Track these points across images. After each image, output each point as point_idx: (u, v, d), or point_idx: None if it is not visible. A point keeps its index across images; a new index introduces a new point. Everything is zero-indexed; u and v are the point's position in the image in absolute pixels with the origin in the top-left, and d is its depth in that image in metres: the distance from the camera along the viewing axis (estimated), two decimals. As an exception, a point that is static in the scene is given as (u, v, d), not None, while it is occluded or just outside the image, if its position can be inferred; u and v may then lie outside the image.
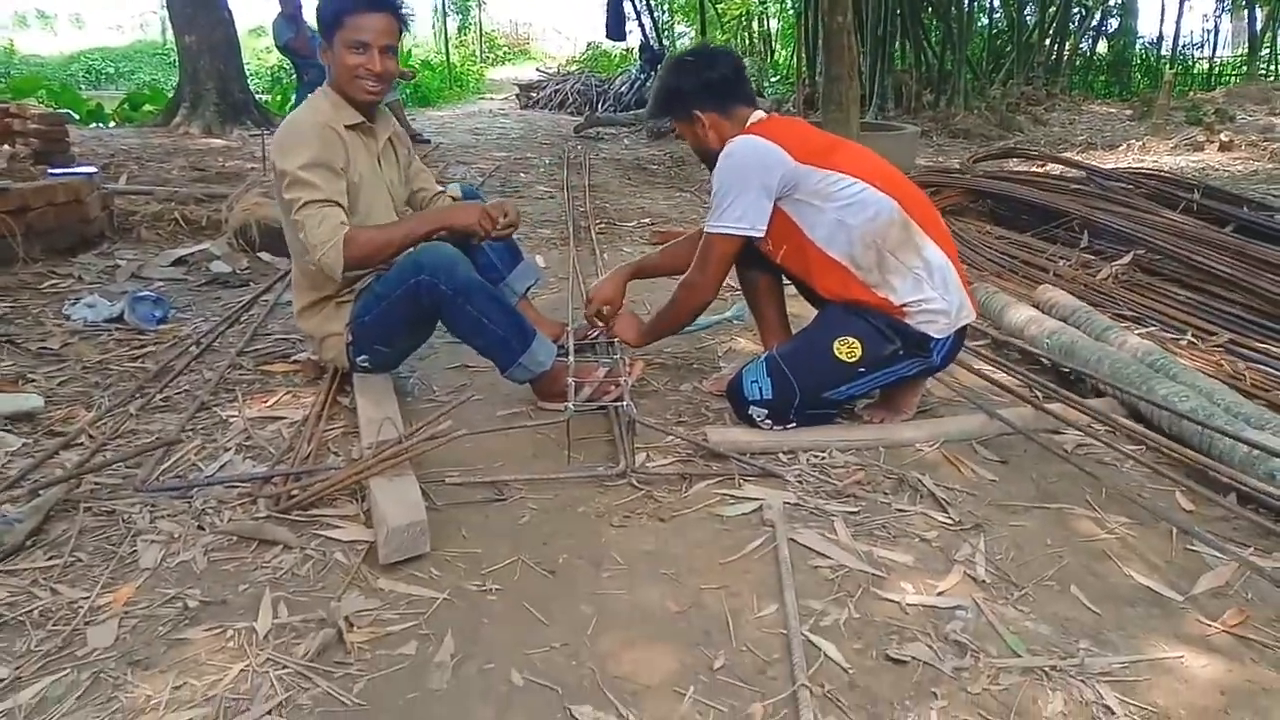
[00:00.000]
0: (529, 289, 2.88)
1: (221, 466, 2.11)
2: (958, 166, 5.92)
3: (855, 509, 2.00)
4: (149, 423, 2.35)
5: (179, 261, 3.96)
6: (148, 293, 3.29)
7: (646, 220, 5.34)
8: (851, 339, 2.24)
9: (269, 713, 1.36)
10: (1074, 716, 1.39)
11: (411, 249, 2.34)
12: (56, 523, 1.85)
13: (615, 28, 12.78)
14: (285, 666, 1.46)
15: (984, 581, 1.74)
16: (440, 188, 2.71)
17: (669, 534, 1.91)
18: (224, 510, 1.92)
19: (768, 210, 2.27)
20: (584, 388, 2.44)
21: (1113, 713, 1.40)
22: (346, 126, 2.34)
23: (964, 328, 2.32)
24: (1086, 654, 1.52)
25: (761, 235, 2.29)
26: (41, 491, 1.90)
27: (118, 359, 2.81)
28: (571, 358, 2.52)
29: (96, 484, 2.01)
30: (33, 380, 2.60)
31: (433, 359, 2.88)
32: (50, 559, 1.73)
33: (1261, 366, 2.73)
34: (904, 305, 2.23)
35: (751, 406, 2.30)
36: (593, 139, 9.72)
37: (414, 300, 2.31)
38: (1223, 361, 2.75)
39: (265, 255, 4.09)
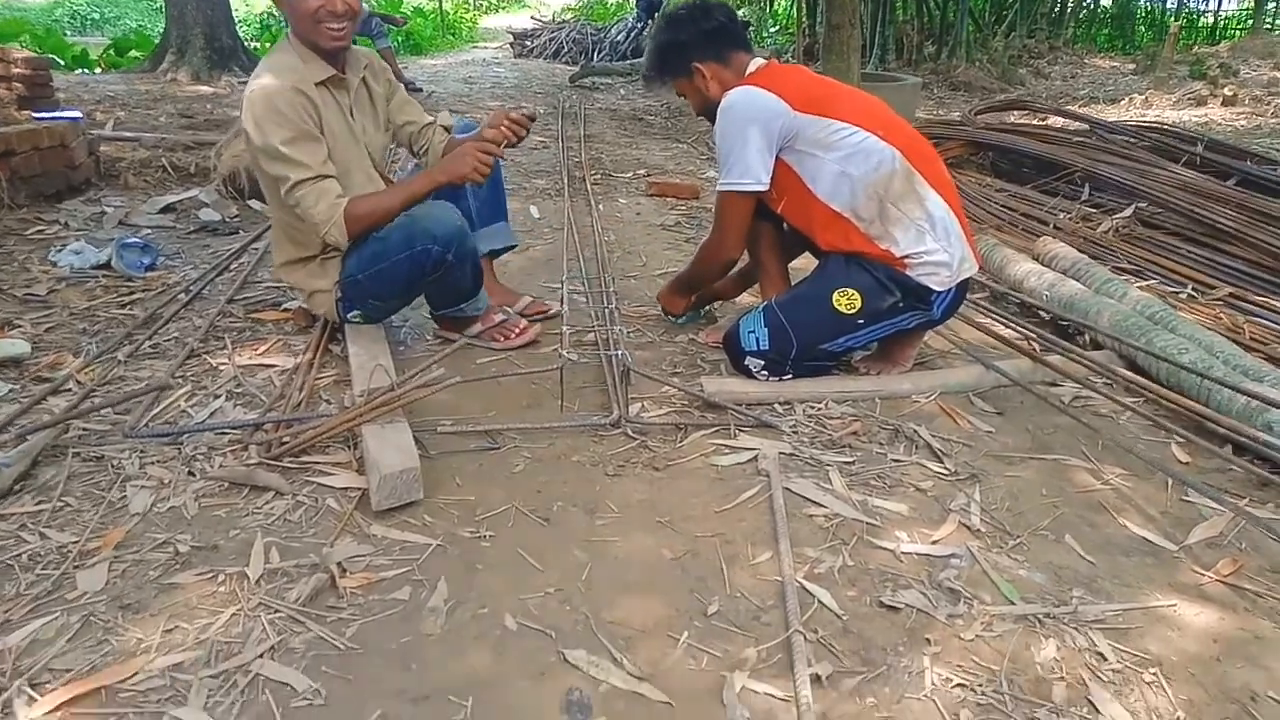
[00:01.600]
0: (498, 253, 2.81)
1: (212, 413, 2.09)
2: (959, 119, 5.83)
3: (851, 459, 1.99)
4: (137, 369, 2.32)
5: (167, 209, 3.89)
6: (135, 239, 3.24)
7: (642, 171, 5.27)
8: (851, 291, 2.22)
9: (261, 656, 1.35)
10: (1067, 663, 1.39)
11: (418, 212, 2.29)
12: (44, 468, 1.83)
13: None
14: (277, 611, 1.45)
15: (979, 531, 1.73)
16: (430, 118, 2.63)
17: (664, 483, 1.90)
18: (214, 457, 1.90)
19: (770, 162, 2.22)
20: (476, 325, 2.57)
21: (1105, 660, 1.40)
22: (317, 84, 2.25)
23: (966, 281, 2.29)
24: (1080, 602, 1.52)
25: (766, 188, 2.25)
26: (29, 437, 1.88)
27: (105, 306, 2.77)
28: (566, 309, 2.50)
29: (85, 429, 1.99)
30: (19, 326, 2.57)
31: (426, 307, 2.84)
32: (39, 503, 1.72)
33: (1261, 320, 2.71)
34: (905, 257, 2.20)
35: (748, 357, 2.28)
36: (588, 89, 9.56)
37: (418, 266, 2.29)
38: (1223, 315, 2.74)
39: (255, 203, 4.02)
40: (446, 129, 2.64)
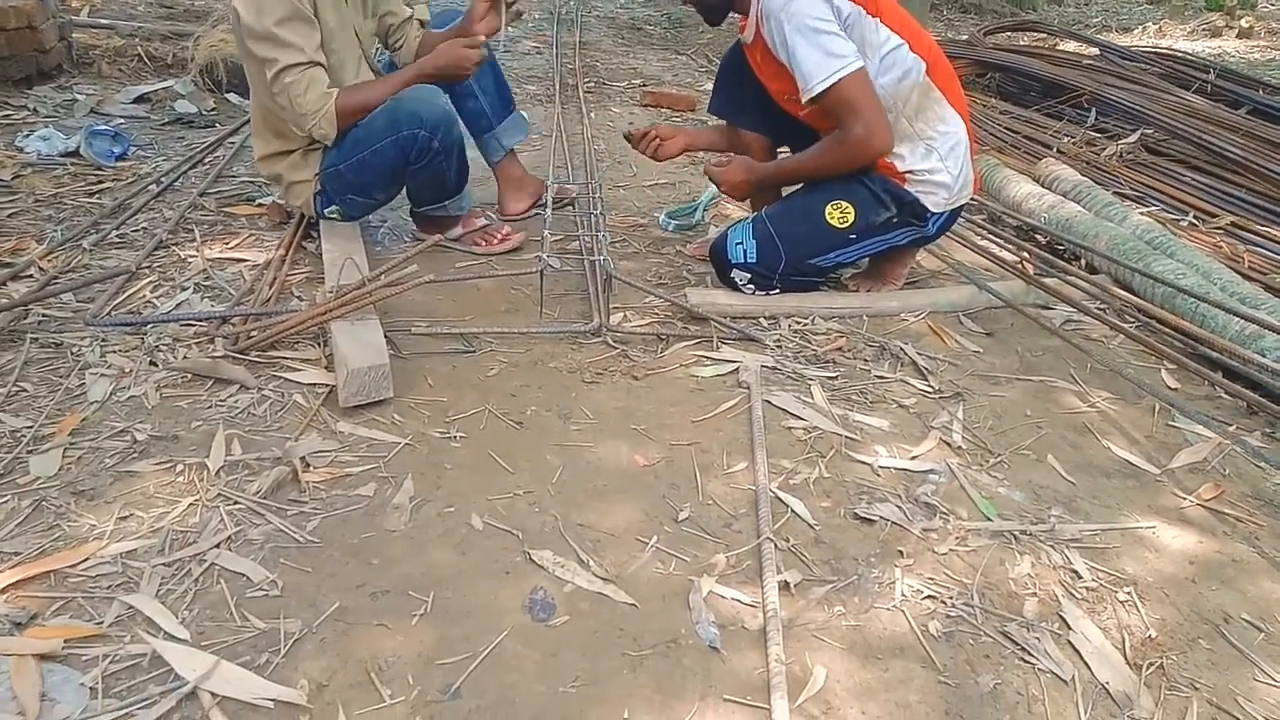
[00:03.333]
0: (517, 144, 2.72)
1: (178, 305, 2.02)
2: (966, 39, 5.64)
3: (834, 374, 1.94)
4: (103, 258, 2.24)
5: (142, 99, 3.74)
6: (106, 128, 3.11)
7: (638, 81, 5.09)
8: (845, 203, 2.13)
9: (217, 546, 1.32)
10: (1040, 579, 1.37)
11: (404, 97, 2.21)
12: (1, 353, 1.77)
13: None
14: (236, 502, 1.41)
15: (960, 448, 1.70)
16: (409, 11, 2.50)
17: (642, 392, 1.85)
18: (179, 348, 1.84)
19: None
20: (457, 228, 2.51)
21: (1080, 577, 1.38)
22: None
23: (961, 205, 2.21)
24: (1058, 521, 1.50)
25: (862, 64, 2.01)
26: (-15, 321, 1.81)
27: (72, 194, 2.66)
28: (549, 212, 2.42)
29: (45, 315, 1.92)
30: (-19, 211, 2.47)
31: (406, 208, 2.75)
32: (-7, 388, 1.66)
33: (1262, 250, 2.65)
34: (907, 172, 2.12)
35: (734, 270, 2.21)
36: (587, -4, 9.21)
37: (402, 151, 2.21)
38: (1223, 244, 2.67)
39: (233, 96, 3.87)
40: (422, 23, 2.51)
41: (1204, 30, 8.32)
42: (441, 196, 2.41)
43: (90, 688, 1.09)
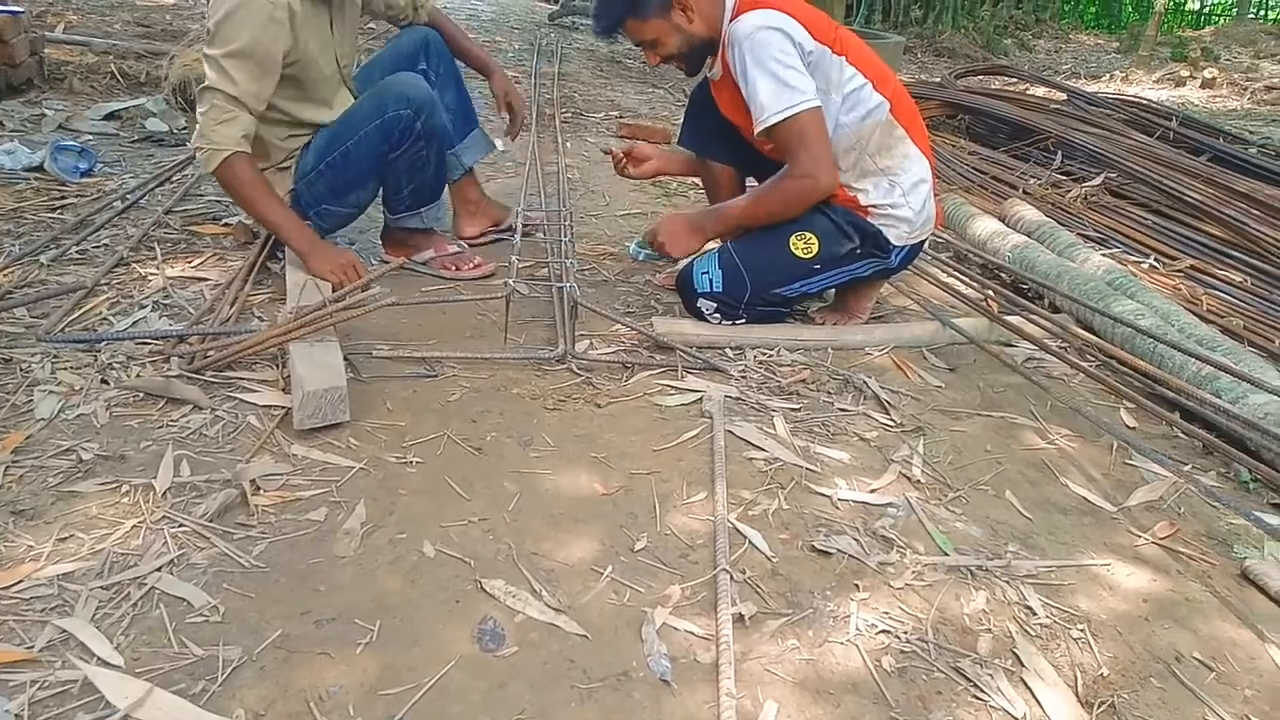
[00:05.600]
0: (477, 161, 2.73)
1: (135, 323, 1.99)
2: (938, 81, 5.75)
3: (797, 406, 1.94)
4: (61, 274, 2.20)
5: (112, 116, 3.70)
6: (73, 143, 3.08)
7: (615, 113, 5.13)
8: (809, 234, 2.15)
9: (159, 569, 1.28)
10: (995, 615, 1.37)
11: (388, 81, 2.26)
12: (-54, 367, 1.73)
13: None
14: (181, 525, 1.38)
15: (919, 482, 1.70)
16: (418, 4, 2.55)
17: (604, 420, 1.84)
18: (133, 366, 1.81)
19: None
20: (428, 251, 2.51)
21: (1034, 613, 1.38)
22: None
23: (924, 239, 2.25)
24: (1014, 557, 1.50)
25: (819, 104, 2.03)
26: (-67, 334, 1.77)
27: (34, 208, 2.62)
28: (518, 238, 2.41)
29: (-5, 330, 1.88)
30: (-63, 223, 2.43)
31: (375, 230, 2.74)
32: (-64, 403, 1.62)
33: (1220, 294, 2.70)
34: (871, 206, 2.15)
35: (701, 299, 2.21)
36: (568, 28, 9.29)
37: (387, 135, 2.21)
38: (1182, 286, 2.72)
39: (206, 116, 3.85)
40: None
41: (1169, 79, 8.54)
42: (419, 196, 2.39)
43: (16, 715, 1.05)
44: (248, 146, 2.08)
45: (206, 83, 2.03)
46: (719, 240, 2.33)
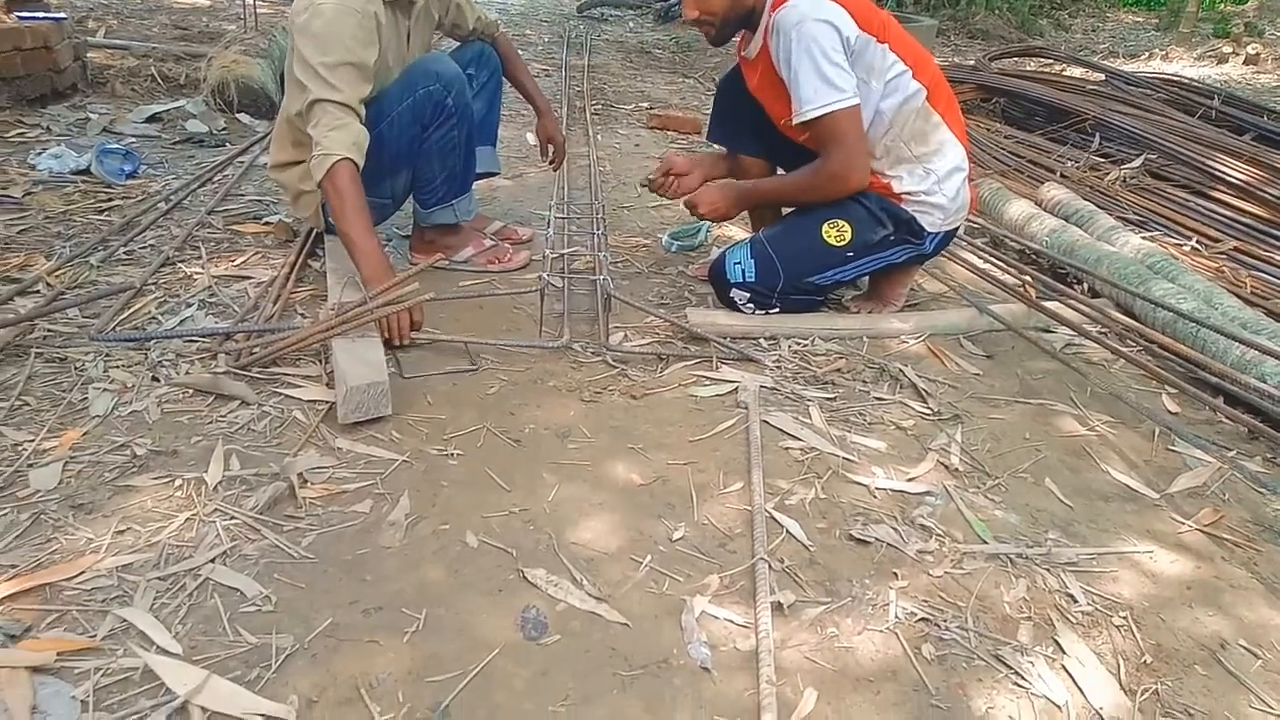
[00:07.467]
0: (478, 176, 2.70)
1: (182, 321, 2.04)
2: (973, 64, 5.67)
3: (833, 395, 1.95)
4: (110, 275, 2.26)
5: (153, 118, 3.78)
6: (117, 146, 3.15)
7: (645, 104, 5.13)
8: (841, 222, 2.15)
9: (212, 561, 1.32)
10: (1035, 603, 1.37)
11: (417, 61, 2.27)
12: (5, 367, 1.79)
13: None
14: (233, 518, 1.42)
15: (957, 470, 1.69)
16: (476, 18, 2.57)
17: (640, 411, 1.85)
18: (181, 364, 1.85)
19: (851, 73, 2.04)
20: (467, 250, 2.53)
21: (1075, 601, 1.37)
22: (386, 3, 2.13)
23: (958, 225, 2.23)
24: (1054, 544, 1.49)
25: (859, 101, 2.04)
26: (-9, 335, 1.83)
27: (82, 211, 2.69)
28: (551, 231, 2.44)
29: (50, 330, 1.94)
30: (-9, 228, 2.50)
31: (409, 228, 2.78)
32: (-3, 402, 1.67)
33: (1264, 275, 2.64)
34: (904, 193, 2.14)
35: (734, 289, 2.22)
36: (596, 19, 9.29)
37: (419, 114, 2.21)
38: (1225, 268, 2.67)
39: (244, 116, 3.92)
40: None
41: (1210, 56, 8.34)
42: (452, 184, 2.38)
43: (81, 701, 1.09)
44: (358, 156, 2.02)
45: (312, 96, 2.00)
46: (750, 228, 2.33)
